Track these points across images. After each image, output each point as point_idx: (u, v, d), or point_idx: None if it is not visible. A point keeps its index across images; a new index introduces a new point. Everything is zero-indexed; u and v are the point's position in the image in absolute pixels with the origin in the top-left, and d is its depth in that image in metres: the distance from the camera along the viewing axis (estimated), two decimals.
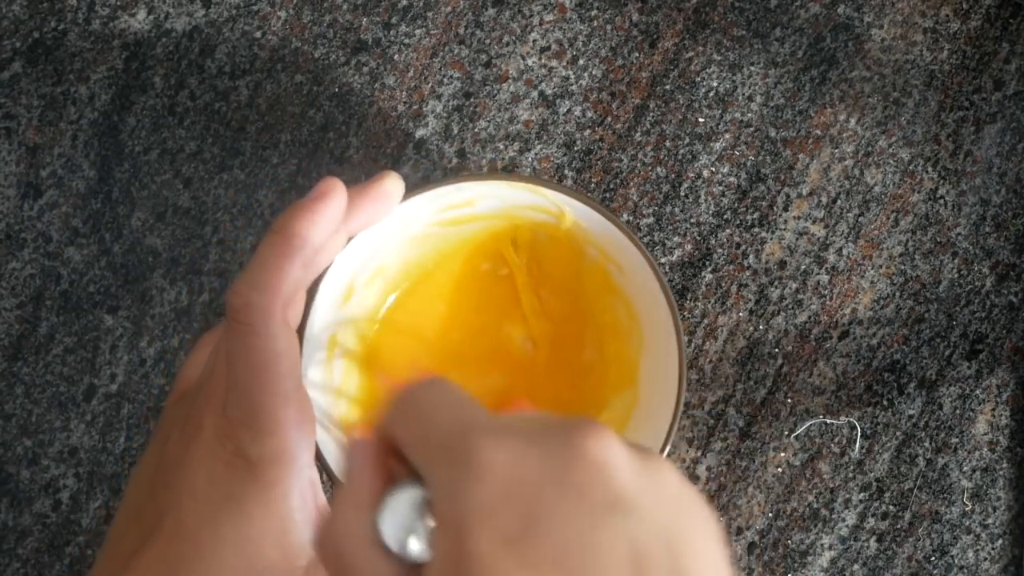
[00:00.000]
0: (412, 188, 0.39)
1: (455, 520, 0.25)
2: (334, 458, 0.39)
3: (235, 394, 0.33)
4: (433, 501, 0.26)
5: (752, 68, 0.52)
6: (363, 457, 0.29)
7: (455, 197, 0.40)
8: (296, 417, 0.33)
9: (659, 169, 0.46)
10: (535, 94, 0.51)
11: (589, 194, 0.47)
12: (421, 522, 0.27)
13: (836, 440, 0.48)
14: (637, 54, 0.52)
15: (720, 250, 0.47)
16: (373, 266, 0.41)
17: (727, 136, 0.45)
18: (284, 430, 0.33)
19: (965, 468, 0.50)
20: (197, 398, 0.35)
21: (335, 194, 0.34)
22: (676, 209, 0.48)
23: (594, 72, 0.51)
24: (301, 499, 0.33)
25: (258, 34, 0.50)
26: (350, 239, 0.37)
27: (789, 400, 0.47)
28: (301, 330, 0.37)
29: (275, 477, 0.33)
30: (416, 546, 0.27)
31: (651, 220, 0.48)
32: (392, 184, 0.37)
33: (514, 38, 0.51)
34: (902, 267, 0.48)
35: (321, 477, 0.35)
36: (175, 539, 0.33)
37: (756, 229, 0.47)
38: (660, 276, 0.39)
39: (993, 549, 0.48)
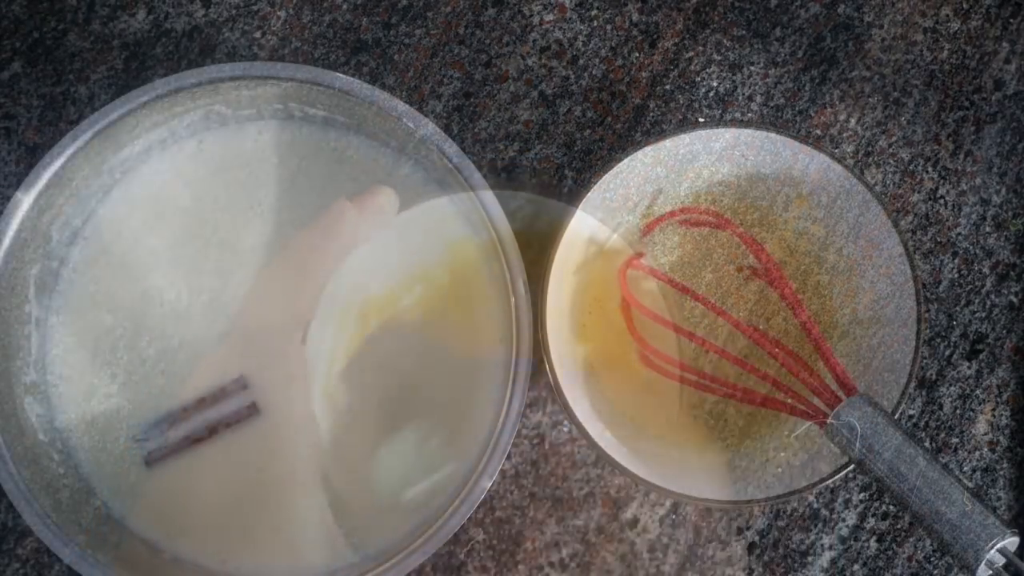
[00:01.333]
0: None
1: None
2: None
3: None
4: None
5: (752, 68, 0.52)
6: None
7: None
8: None
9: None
10: (535, 94, 0.51)
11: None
12: None
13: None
14: (637, 54, 0.52)
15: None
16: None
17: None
18: None
19: (965, 468, 0.50)
20: None
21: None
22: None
23: (594, 72, 0.51)
24: None
25: (258, 34, 0.50)
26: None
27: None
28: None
29: None
30: None
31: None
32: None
33: (514, 38, 0.51)
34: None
35: None
36: None
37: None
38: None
39: None
